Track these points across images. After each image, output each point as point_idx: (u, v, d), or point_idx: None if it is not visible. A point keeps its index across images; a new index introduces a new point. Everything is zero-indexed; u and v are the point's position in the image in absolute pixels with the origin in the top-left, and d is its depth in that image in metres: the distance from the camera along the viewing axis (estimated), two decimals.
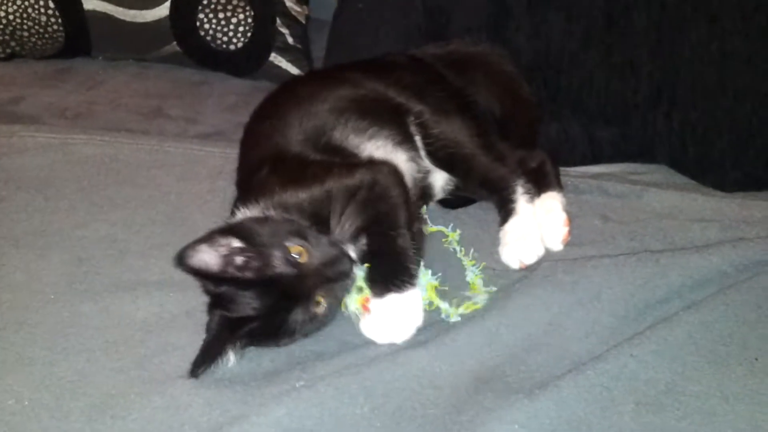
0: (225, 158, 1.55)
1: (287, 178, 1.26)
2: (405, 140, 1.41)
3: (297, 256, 1.15)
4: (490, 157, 1.42)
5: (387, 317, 1.17)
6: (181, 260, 1.11)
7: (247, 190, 1.30)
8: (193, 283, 1.30)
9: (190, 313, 1.26)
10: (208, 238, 1.14)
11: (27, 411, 1.09)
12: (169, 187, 1.56)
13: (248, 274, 1.13)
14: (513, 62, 1.70)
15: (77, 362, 1.17)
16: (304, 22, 2.14)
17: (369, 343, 1.18)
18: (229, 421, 1.05)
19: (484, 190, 1.44)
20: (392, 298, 1.17)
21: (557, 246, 1.36)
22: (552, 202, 1.40)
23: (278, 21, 2.07)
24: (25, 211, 1.48)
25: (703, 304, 1.18)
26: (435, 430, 1.04)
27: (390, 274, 1.18)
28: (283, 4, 2.09)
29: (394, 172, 1.30)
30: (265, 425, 1.04)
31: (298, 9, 2.12)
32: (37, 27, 2.07)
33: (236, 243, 1.15)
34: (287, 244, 1.15)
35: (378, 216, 1.23)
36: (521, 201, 1.39)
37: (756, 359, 1.11)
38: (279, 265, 1.14)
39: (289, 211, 1.21)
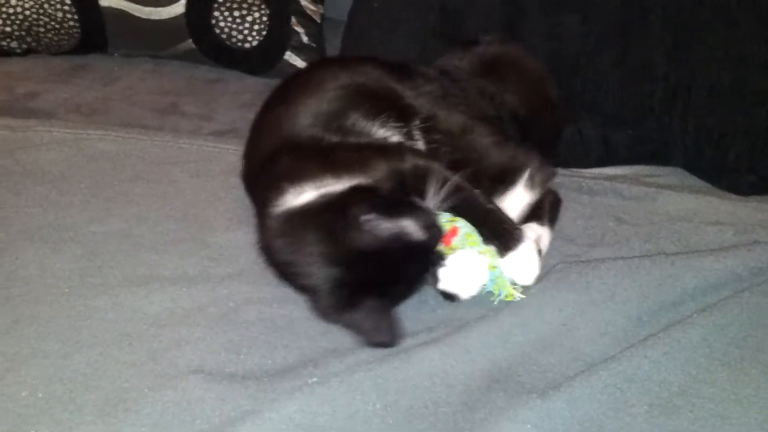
0: (239, 155, 1.55)
1: (324, 160, 1.29)
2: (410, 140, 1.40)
3: (422, 223, 1.19)
4: (501, 149, 1.43)
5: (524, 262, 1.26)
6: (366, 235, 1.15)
7: (273, 178, 1.29)
8: (205, 279, 1.31)
9: (202, 308, 1.26)
10: (373, 218, 1.15)
11: (40, 403, 1.10)
12: (184, 183, 1.56)
13: (395, 244, 1.17)
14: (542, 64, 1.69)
15: (90, 356, 1.17)
16: (319, 21, 2.14)
17: None
18: (241, 416, 1.05)
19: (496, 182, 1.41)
20: (519, 250, 1.25)
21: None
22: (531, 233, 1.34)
23: (293, 20, 2.07)
24: (39, 206, 1.49)
25: (717, 307, 1.17)
26: (447, 428, 1.04)
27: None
28: (299, 3, 2.09)
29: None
30: (277, 421, 1.04)
31: (314, 8, 2.12)
32: (53, 23, 2.07)
33: (372, 215, 1.16)
34: (417, 211, 1.20)
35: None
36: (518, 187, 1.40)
37: None
38: (416, 232, 1.18)
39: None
